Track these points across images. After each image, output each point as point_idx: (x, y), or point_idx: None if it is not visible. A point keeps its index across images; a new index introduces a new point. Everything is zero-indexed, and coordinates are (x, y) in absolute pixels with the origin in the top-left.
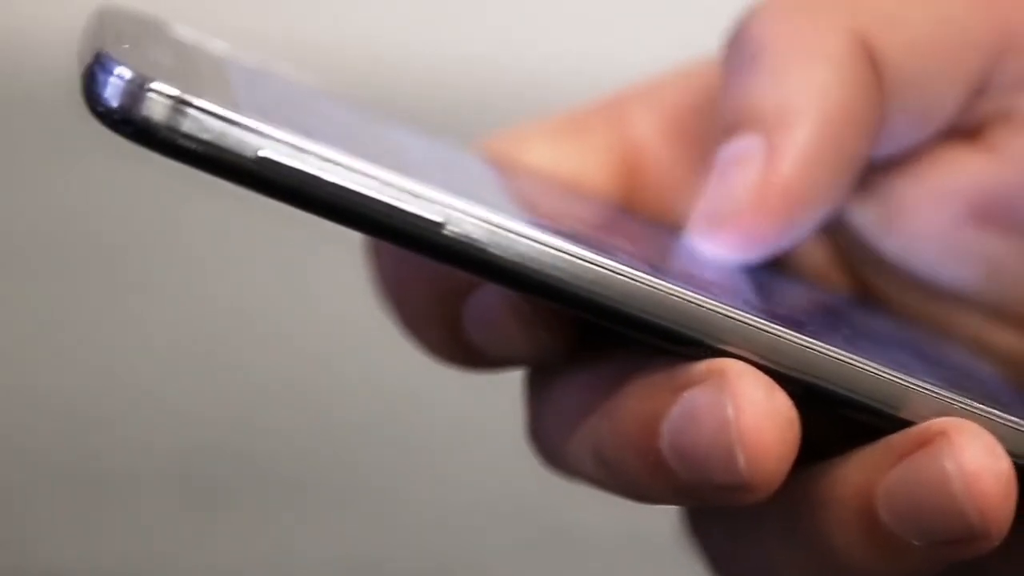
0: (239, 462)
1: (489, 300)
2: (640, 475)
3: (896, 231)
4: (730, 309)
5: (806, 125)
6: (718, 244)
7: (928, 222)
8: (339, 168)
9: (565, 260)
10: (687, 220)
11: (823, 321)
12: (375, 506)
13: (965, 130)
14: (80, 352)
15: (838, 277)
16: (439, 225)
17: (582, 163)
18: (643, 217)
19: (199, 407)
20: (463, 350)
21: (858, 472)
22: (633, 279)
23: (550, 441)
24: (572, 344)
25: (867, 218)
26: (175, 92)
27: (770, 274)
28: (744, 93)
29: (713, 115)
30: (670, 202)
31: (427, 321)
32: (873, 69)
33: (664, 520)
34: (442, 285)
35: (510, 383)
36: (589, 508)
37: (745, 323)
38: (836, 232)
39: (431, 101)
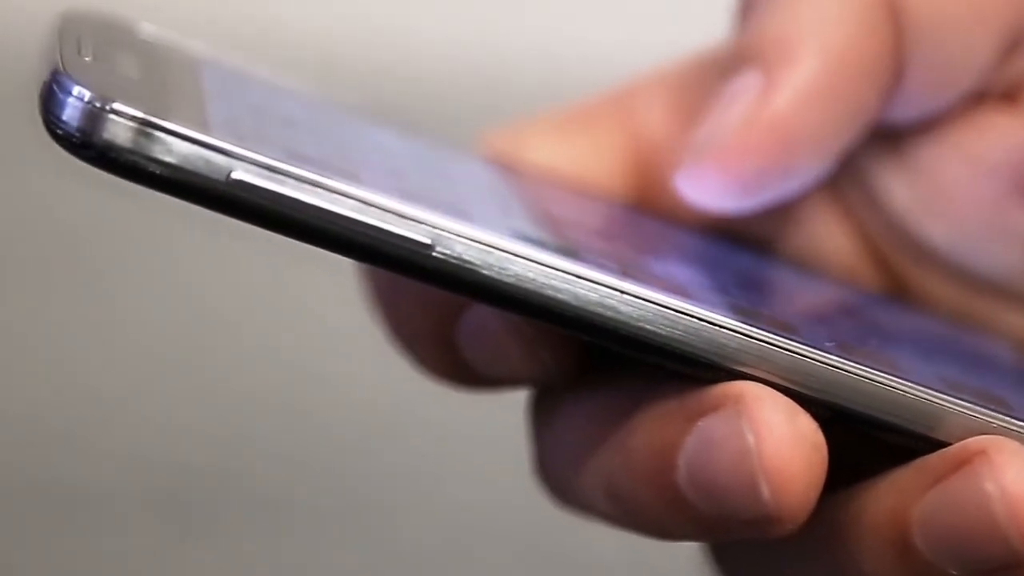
0: (222, 480)
1: (485, 318)
2: (657, 511)
3: (933, 211)
4: (746, 327)
5: (807, 59)
6: (700, 184)
7: (968, 200)
8: (318, 189)
9: (565, 280)
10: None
11: (850, 330)
12: (365, 526)
13: (1000, 92)
14: (50, 362)
15: (867, 271)
16: (427, 247)
17: (590, 159)
18: (655, 217)
19: (179, 421)
20: (459, 369)
21: (891, 496)
22: (640, 298)
23: (557, 476)
24: (577, 364)
25: (901, 196)
26: (139, 113)
27: (792, 272)
28: (749, 28)
29: None
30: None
31: (421, 338)
32: (892, 13)
33: (676, 549)
34: (435, 300)
35: (508, 400)
36: (587, 531)
37: (763, 342)
38: (866, 216)
39: (425, 95)
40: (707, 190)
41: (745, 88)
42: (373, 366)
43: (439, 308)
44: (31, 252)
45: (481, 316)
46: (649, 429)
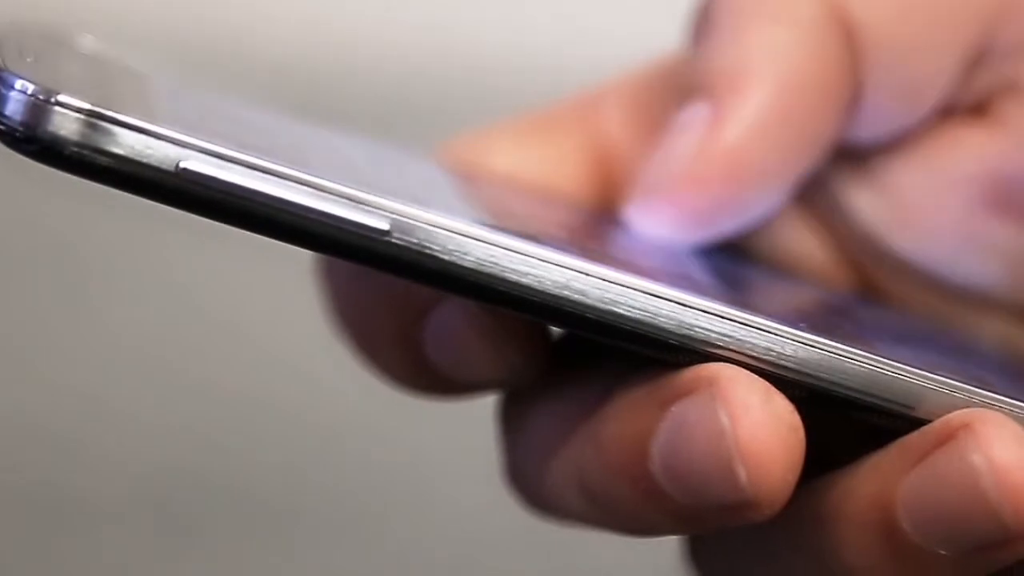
0: (214, 487)
1: (452, 318)
2: (632, 504)
3: (903, 225)
4: (715, 306)
5: (757, 89)
6: (652, 219)
7: (938, 213)
8: (270, 176)
9: (528, 262)
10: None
11: (822, 318)
12: (361, 535)
13: (968, 105)
14: (37, 366)
15: (843, 277)
16: (384, 232)
17: (553, 165)
18: (620, 221)
19: (170, 427)
20: (424, 374)
21: (873, 479)
22: (605, 279)
23: (528, 479)
24: (545, 365)
25: (870, 211)
26: (85, 104)
27: (763, 274)
28: (698, 58)
29: None
30: None
31: (383, 341)
32: (845, 36)
33: (664, 553)
34: (399, 302)
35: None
36: (585, 542)
37: (735, 321)
38: (837, 227)
39: (380, 99)
40: (659, 224)
41: (694, 120)
42: (364, 370)
43: (403, 309)
44: (16, 256)
45: (446, 316)
46: (620, 418)
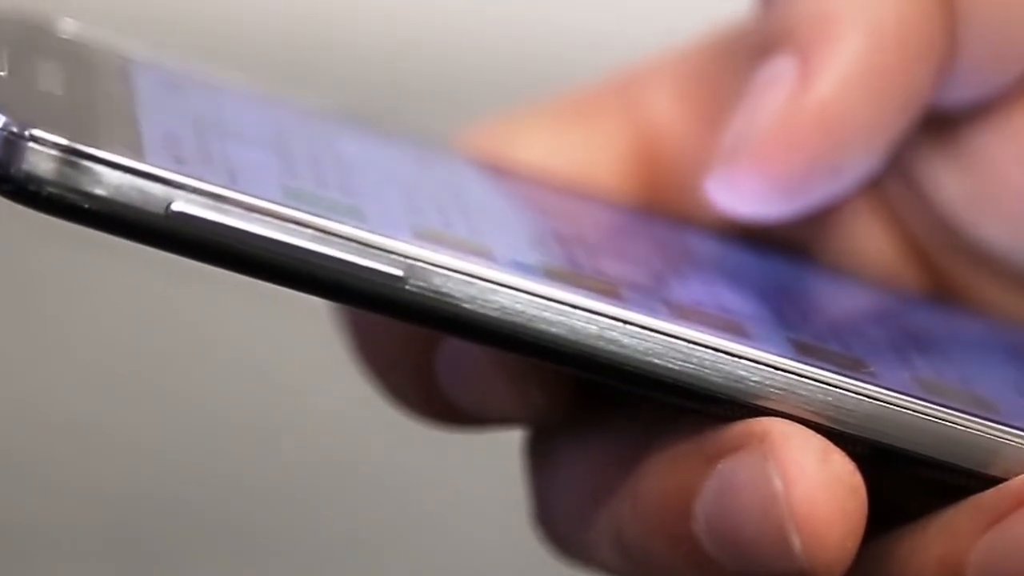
0: (181, 512)
1: (468, 351)
2: (672, 566)
3: (991, 207)
4: (766, 356)
5: (850, 38)
6: (736, 189)
7: None
8: (269, 219)
9: (559, 311)
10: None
11: (888, 348)
12: (330, 560)
13: None
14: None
15: (912, 274)
16: (399, 280)
17: (590, 157)
18: (665, 222)
19: (136, 447)
20: (440, 405)
21: (941, 541)
22: (647, 328)
23: (560, 526)
24: (573, 400)
25: (949, 191)
26: (62, 140)
27: (824, 280)
28: (776, 8)
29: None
30: (699, 198)
31: (397, 369)
32: None
33: None
34: (411, 333)
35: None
36: None
37: (789, 373)
38: (910, 212)
39: (398, 86)
40: (744, 195)
41: (779, 76)
42: (340, 391)
43: (417, 334)
44: None
45: (462, 348)
46: (661, 473)
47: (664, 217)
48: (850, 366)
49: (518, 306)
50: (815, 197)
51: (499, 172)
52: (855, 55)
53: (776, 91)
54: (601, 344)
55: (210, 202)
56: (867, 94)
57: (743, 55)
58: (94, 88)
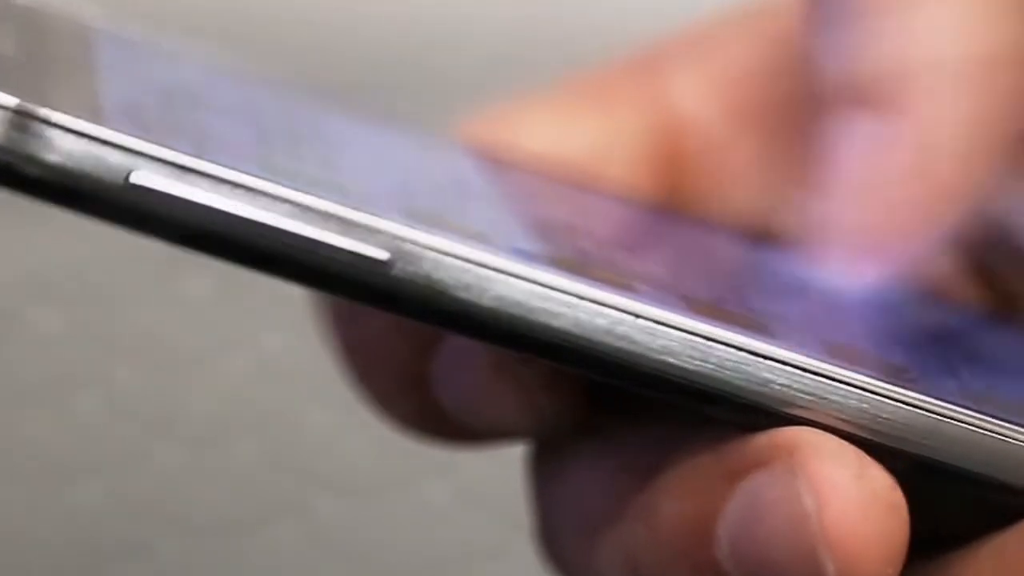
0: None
1: (467, 352)
2: None
3: None
4: (795, 356)
5: (950, 87)
6: (851, 272)
7: None
8: (239, 191)
9: (564, 302)
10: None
11: (932, 355)
12: None
13: None
14: None
15: (971, 290)
16: (385, 264)
17: (602, 145)
18: (680, 216)
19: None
20: (434, 417)
21: (993, 568)
22: (662, 323)
23: (563, 546)
24: (582, 410)
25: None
26: (12, 101)
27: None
28: (845, 49)
29: (782, 75)
30: (726, 194)
31: (386, 376)
32: None
33: None
34: (405, 328)
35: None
36: None
37: (817, 374)
38: (972, 227)
39: (390, 68)
40: (859, 275)
41: (867, 141)
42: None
43: (409, 338)
44: None
45: (461, 349)
46: (679, 492)
47: (680, 212)
48: (889, 371)
49: (518, 296)
50: (933, 259)
51: (502, 161)
52: (960, 108)
53: (865, 162)
54: (610, 340)
55: (174, 172)
56: (978, 148)
57: (798, 77)
58: (51, 52)
